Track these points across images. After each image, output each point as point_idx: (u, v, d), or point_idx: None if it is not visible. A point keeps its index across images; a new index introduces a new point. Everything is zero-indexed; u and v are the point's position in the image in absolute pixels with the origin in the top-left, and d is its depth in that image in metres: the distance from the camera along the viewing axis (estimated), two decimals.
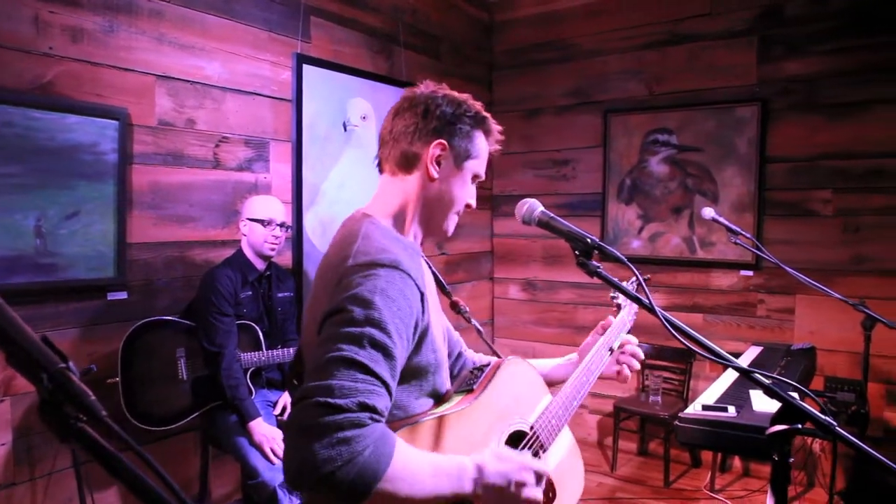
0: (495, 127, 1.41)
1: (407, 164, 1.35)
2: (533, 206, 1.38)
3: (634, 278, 1.57)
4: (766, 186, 4.11)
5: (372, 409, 1.04)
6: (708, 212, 2.92)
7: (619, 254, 1.28)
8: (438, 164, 1.34)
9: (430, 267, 1.50)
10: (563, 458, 1.53)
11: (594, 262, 1.27)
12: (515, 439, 1.40)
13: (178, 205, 3.00)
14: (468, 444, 1.28)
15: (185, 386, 2.76)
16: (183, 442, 3.08)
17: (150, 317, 2.80)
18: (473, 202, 1.40)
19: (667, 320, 1.17)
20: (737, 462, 4.29)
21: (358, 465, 1.00)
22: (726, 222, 2.89)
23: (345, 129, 3.76)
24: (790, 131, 4.04)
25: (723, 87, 4.21)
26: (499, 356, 1.56)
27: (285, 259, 3.50)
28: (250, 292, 2.92)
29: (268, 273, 3.02)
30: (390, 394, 1.10)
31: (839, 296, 2.82)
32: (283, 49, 3.44)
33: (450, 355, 1.61)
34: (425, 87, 1.38)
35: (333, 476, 0.99)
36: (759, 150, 4.09)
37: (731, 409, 2.18)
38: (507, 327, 5.11)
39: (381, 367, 1.08)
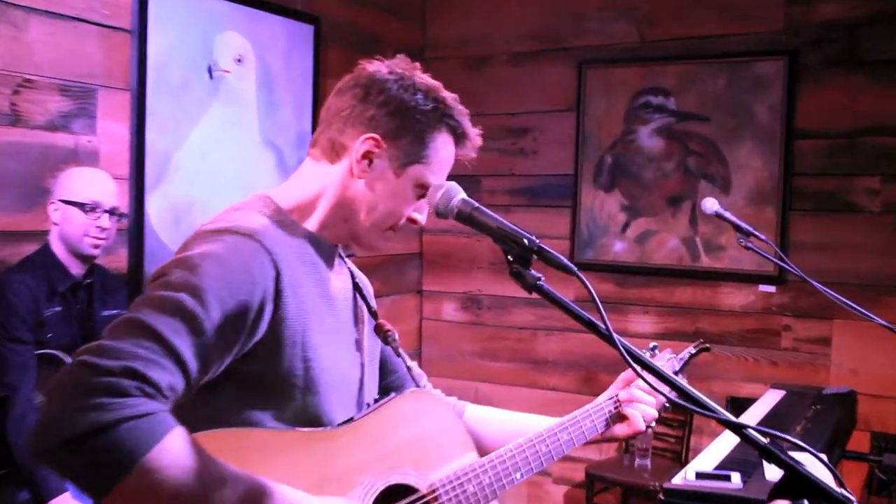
0: (471, 130, 1.52)
1: (333, 152, 1.49)
2: (451, 191, 1.41)
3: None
4: (793, 171, 4.17)
5: (144, 379, 1.12)
6: (710, 204, 2.92)
7: (564, 259, 1.30)
8: (369, 161, 1.46)
9: (352, 277, 1.64)
10: None
11: (533, 273, 1.31)
12: (393, 496, 1.44)
13: None
14: (307, 477, 1.34)
15: None
16: None
17: None
18: (421, 217, 1.52)
19: (627, 351, 1.22)
20: None
21: (101, 440, 1.08)
22: (734, 218, 2.89)
23: (211, 76, 3.74)
24: (826, 96, 4.09)
25: (738, 35, 4.24)
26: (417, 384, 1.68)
27: (117, 260, 3.43)
28: (59, 308, 2.87)
29: (88, 281, 2.99)
30: (186, 374, 1.19)
31: (886, 323, 2.80)
32: None
33: (387, 389, 1.72)
34: (384, 65, 1.51)
35: (71, 445, 1.07)
36: (786, 120, 4.14)
37: (736, 478, 2.19)
38: (440, 360, 5.11)
39: (180, 340, 1.18)
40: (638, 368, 1.24)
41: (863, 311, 2.77)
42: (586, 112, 4.63)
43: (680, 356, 2.06)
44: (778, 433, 1.20)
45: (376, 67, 1.51)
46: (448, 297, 5.10)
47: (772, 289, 4.26)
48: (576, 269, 1.29)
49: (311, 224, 1.49)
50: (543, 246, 1.32)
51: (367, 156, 1.46)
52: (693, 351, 2.12)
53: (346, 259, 1.66)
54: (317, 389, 1.39)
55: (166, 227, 3.58)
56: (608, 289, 4.56)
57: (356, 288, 1.64)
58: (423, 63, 1.54)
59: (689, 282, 4.44)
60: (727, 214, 2.90)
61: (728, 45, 4.28)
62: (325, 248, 1.50)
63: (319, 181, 1.50)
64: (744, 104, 4.25)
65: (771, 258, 3.03)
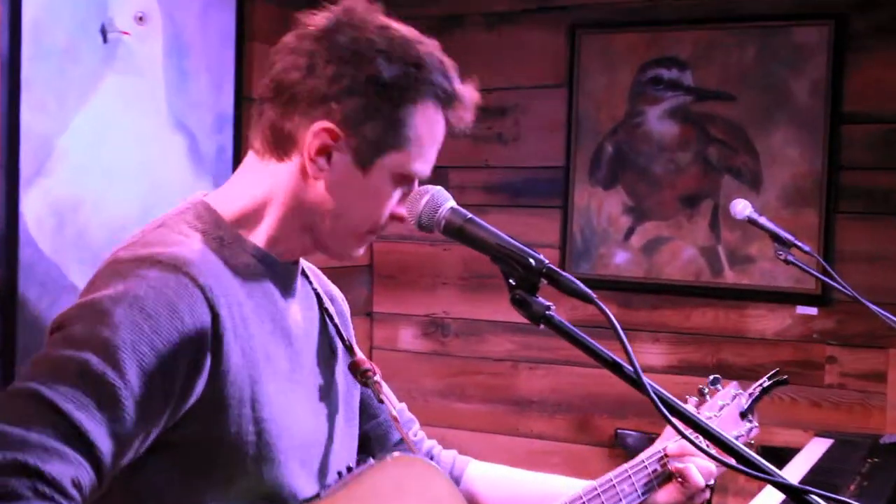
0: (462, 87, 1.49)
1: (277, 145, 1.45)
2: (437, 198, 1.42)
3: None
4: (839, 164, 4.12)
5: (39, 476, 1.10)
6: (741, 207, 2.95)
7: (580, 284, 1.34)
8: (327, 157, 1.42)
9: (319, 301, 1.65)
10: None
11: (541, 300, 1.35)
12: None
13: None
14: None
15: None
16: None
17: None
18: (404, 212, 1.48)
19: (662, 400, 1.27)
20: None
21: None
22: (771, 225, 2.92)
23: (104, 39, 3.61)
24: (881, 72, 4.05)
25: None
26: (412, 449, 1.75)
27: None
28: None
29: None
30: (97, 463, 1.16)
31: None
32: None
33: (366, 439, 1.75)
34: (332, 17, 1.44)
35: None
36: (831, 101, 4.09)
37: None
38: (396, 398, 4.88)
39: (86, 418, 1.15)
40: (678, 424, 1.27)
41: None
42: (581, 89, 4.55)
43: (749, 391, 2.05)
44: (840, 498, 1.22)
45: (322, 21, 1.44)
46: (406, 321, 4.97)
47: (813, 311, 4.19)
48: (595, 297, 1.33)
49: (260, 238, 1.46)
50: (553, 267, 1.35)
51: (324, 151, 1.42)
52: (767, 384, 2.10)
53: (312, 277, 1.63)
54: (273, 457, 1.37)
55: (47, 234, 3.45)
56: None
57: (325, 316, 1.65)
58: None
59: (709, 302, 4.37)
60: (762, 220, 2.94)
61: (759, 7, 4.23)
62: (281, 268, 1.49)
63: (266, 183, 1.46)
64: (778, 80, 4.18)
65: (818, 275, 3.04)
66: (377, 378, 1.70)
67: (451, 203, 1.42)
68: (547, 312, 1.34)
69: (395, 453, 1.60)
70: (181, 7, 3.87)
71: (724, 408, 2.00)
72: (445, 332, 4.87)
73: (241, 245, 1.43)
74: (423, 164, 1.48)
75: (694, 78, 4.31)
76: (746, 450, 1.25)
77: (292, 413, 1.43)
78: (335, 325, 1.67)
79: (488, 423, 4.79)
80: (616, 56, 4.46)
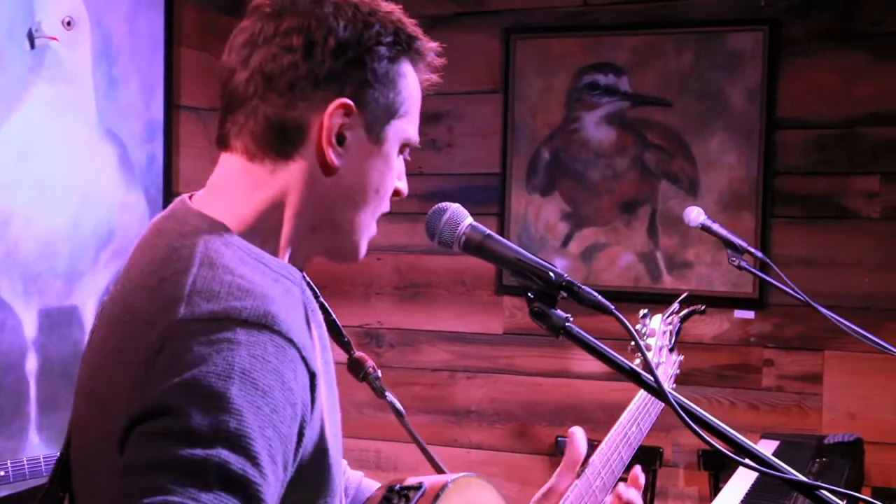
0: (427, 44, 1.44)
1: (281, 141, 1.32)
2: (457, 215, 1.43)
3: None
4: (775, 169, 4.17)
5: None
6: (695, 214, 2.99)
7: (599, 297, 1.36)
8: (341, 140, 1.32)
9: (317, 299, 1.55)
10: None
11: (560, 312, 1.36)
12: None
13: None
14: None
15: None
16: None
17: None
18: (404, 186, 1.44)
19: (682, 408, 1.29)
20: None
21: None
22: (725, 232, 2.96)
23: (31, 45, 3.56)
24: (815, 77, 4.10)
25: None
26: (438, 468, 1.70)
27: None
28: None
29: None
30: None
31: None
32: None
33: None
34: None
35: None
36: (765, 107, 4.14)
37: None
38: None
39: None
40: (699, 430, 1.27)
41: (865, 333, 2.75)
42: (516, 94, 4.54)
43: (670, 326, 2.16)
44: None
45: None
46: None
47: (750, 315, 4.25)
48: (614, 308, 1.34)
49: (280, 250, 1.34)
50: (573, 281, 1.36)
51: (341, 131, 1.31)
52: (684, 313, 2.22)
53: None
54: (333, 499, 1.31)
55: None
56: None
57: (326, 316, 1.58)
58: None
59: (647, 307, 4.22)
60: (716, 227, 2.96)
61: (695, 12, 4.26)
62: (300, 280, 1.36)
63: (271, 188, 1.32)
64: (714, 86, 4.23)
65: (773, 281, 3.02)
66: (379, 374, 1.70)
67: (470, 220, 1.42)
68: (567, 324, 1.35)
69: (463, 475, 1.58)
70: (110, 11, 3.81)
71: (662, 349, 2.08)
72: (380, 342, 4.85)
73: (277, 269, 1.31)
74: (415, 129, 1.42)
75: (631, 83, 4.33)
76: (761, 451, 1.27)
77: (335, 449, 1.35)
78: (334, 321, 1.62)
79: (426, 435, 4.63)
80: (552, 61, 4.45)
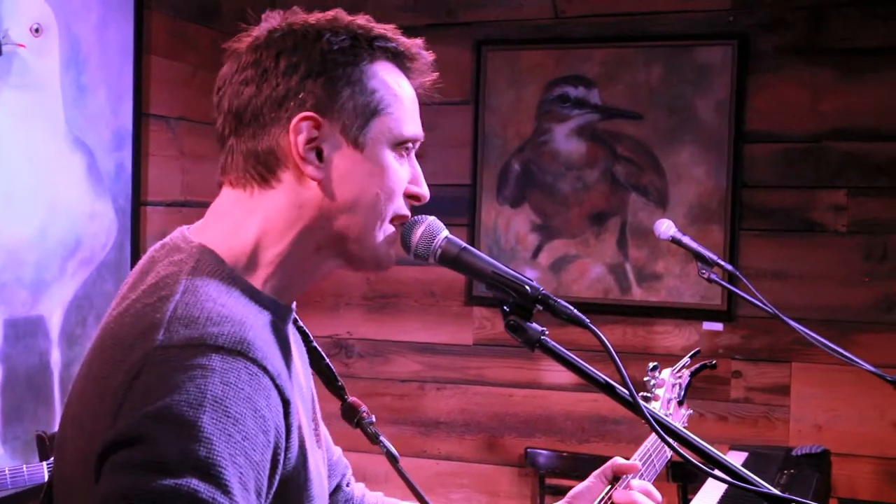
0: (412, 44, 1.43)
1: (261, 169, 1.35)
2: (432, 228, 1.42)
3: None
4: (743, 182, 4.19)
5: None
6: (665, 227, 2.99)
7: (574, 311, 1.37)
8: (318, 153, 1.33)
9: (305, 338, 1.60)
10: None
11: (535, 326, 1.37)
12: None
13: None
14: None
15: None
16: None
17: None
18: (420, 189, 1.44)
19: (657, 421, 1.32)
20: None
21: None
22: (696, 245, 2.97)
23: None
24: (783, 91, 4.13)
25: (677, 13, 4.25)
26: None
27: None
28: None
29: None
30: None
31: (865, 364, 2.78)
32: None
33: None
34: (262, 27, 1.39)
35: None
36: (734, 120, 4.17)
37: None
38: None
39: None
40: (674, 444, 1.31)
41: (830, 345, 2.77)
42: (487, 106, 4.55)
43: (680, 380, 2.18)
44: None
45: (249, 39, 1.38)
46: None
47: (719, 326, 4.27)
48: (589, 322, 1.36)
49: (266, 283, 1.35)
50: (549, 294, 1.36)
51: (311, 145, 1.32)
52: (694, 368, 2.24)
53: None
54: None
55: None
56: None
57: (312, 355, 1.62)
58: None
59: (617, 319, 4.40)
60: (686, 240, 2.95)
61: (664, 26, 4.28)
62: (287, 315, 1.40)
63: (257, 216, 1.34)
64: (683, 99, 4.26)
65: (745, 296, 3.04)
66: (372, 418, 1.70)
67: (446, 233, 1.42)
68: (542, 338, 1.36)
69: None
70: (78, 18, 3.76)
71: (671, 401, 2.11)
72: (349, 353, 4.83)
73: (263, 300, 1.32)
74: (412, 125, 1.40)
75: (601, 96, 4.34)
76: (736, 465, 1.29)
77: (316, 479, 1.36)
78: (328, 366, 1.65)
79: (395, 446, 4.57)
80: (523, 73, 4.46)
